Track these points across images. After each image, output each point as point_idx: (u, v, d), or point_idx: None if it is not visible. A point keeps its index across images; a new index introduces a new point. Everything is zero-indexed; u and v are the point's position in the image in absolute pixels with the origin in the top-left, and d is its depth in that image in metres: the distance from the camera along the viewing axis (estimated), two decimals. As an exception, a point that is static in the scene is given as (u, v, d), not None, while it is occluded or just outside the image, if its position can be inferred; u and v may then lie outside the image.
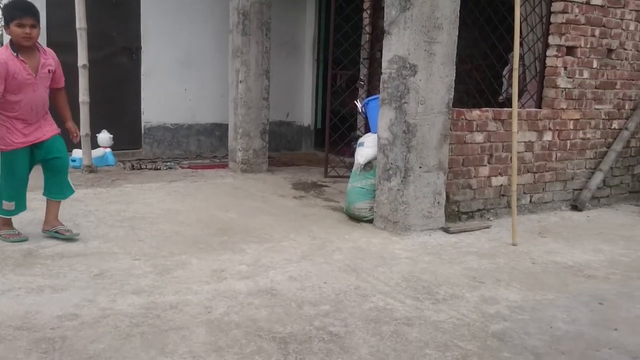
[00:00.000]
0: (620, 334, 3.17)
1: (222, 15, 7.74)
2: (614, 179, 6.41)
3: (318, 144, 9.14)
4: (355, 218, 5.19)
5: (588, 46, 5.87)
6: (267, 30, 7.14)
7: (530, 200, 5.79)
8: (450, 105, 4.91)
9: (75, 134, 4.46)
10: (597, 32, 5.90)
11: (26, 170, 4.24)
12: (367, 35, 7.76)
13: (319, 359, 2.76)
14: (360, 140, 5.28)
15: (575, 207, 6.07)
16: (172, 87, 7.99)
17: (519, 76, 5.67)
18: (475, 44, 6.50)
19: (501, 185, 5.51)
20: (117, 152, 7.58)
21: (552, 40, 5.71)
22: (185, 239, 4.52)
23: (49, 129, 4.23)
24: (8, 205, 4.23)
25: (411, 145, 4.71)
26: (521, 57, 5.96)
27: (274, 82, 7.66)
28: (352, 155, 7.72)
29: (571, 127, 5.94)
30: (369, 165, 5.12)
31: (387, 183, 4.87)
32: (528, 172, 5.71)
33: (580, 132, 6.02)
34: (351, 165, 7.12)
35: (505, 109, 5.47)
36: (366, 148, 5.12)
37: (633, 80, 6.32)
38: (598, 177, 6.15)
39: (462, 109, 5.17)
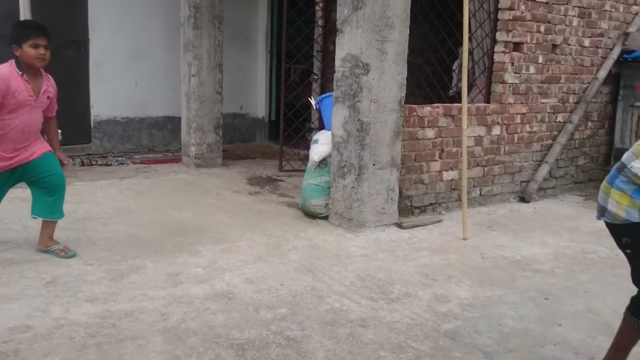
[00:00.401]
0: (564, 329, 3.33)
1: (173, 6, 7.60)
2: (559, 171, 6.64)
3: (272, 135, 9.12)
4: (311, 215, 5.23)
5: (534, 42, 6.03)
6: (219, 24, 7.06)
7: (480, 193, 5.95)
8: (403, 102, 4.98)
9: (65, 163, 4.25)
10: (542, 28, 6.07)
11: (2, 193, 4.03)
12: (320, 29, 7.76)
13: (276, 366, 2.81)
14: (315, 137, 5.31)
15: (522, 199, 6.27)
16: (122, 79, 7.81)
17: (468, 71, 5.79)
18: (425, 38, 6.59)
19: (452, 179, 5.64)
20: (65, 148, 7.33)
21: (499, 36, 5.85)
22: (139, 241, 4.48)
23: (39, 147, 4.02)
24: None
25: (365, 143, 4.77)
26: (470, 53, 6.09)
27: (227, 74, 7.58)
28: (307, 147, 7.78)
29: (518, 121, 6.11)
30: (323, 162, 5.17)
31: (341, 180, 4.92)
32: (478, 166, 5.86)
33: (527, 125, 6.21)
34: (305, 157, 7.16)
35: (456, 104, 5.59)
36: (320, 145, 5.15)
37: (577, 74, 6.54)
38: (544, 169, 6.36)
39: (413, 106, 5.26)
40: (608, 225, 2.42)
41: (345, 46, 4.77)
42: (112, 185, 6.14)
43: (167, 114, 8.25)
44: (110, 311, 3.28)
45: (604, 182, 2.45)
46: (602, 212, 2.41)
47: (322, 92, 7.64)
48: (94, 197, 5.64)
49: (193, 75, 7.00)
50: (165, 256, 4.17)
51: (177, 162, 7.47)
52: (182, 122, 7.39)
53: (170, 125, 8.30)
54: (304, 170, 6.72)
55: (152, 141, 8.22)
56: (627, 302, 2.65)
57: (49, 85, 3.98)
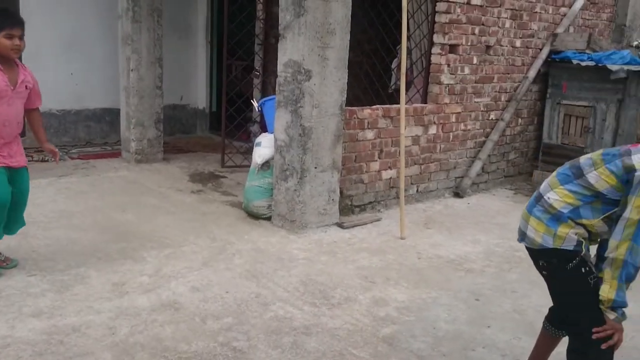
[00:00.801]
0: (492, 330, 3.59)
1: (110, -4, 7.43)
2: (491, 166, 6.97)
3: (213, 127, 9.11)
4: (254, 215, 5.33)
5: (469, 44, 6.27)
6: (158, 17, 6.97)
7: (417, 190, 6.20)
8: (343, 106, 5.12)
9: (56, 156, 4.17)
10: (476, 31, 6.31)
11: (8, 192, 3.83)
12: (261, 24, 7.76)
13: (224, 379, 2.93)
14: (257, 140, 5.38)
15: (457, 194, 6.56)
16: (56, 70, 7.60)
17: (407, 70, 5.97)
18: (365, 35, 6.73)
19: (391, 178, 5.85)
20: (-1, 142, 7.16)
21: (436, 38, 6.05)
22: (82, 247, 4.47)
23: (21, 158, 3.94)
24: None
25: (307, 147, 4.89)
26: (409, 53, 6.27)
27: (166, 65, 7.49)
28: (248, 139, 7.84)
29: (454, 120, 6.37)
30: (266, 164, 5.26)
31: (284, 183, 5.04)
32: (415, 164, 6.09)
33: (462, 124, 6.47)
34: (247, 151, 7.24)
35: (394, 106, 5.77)
36: (263, 148, 5.24)
37: (508, 74, 6.85)
38: (477, 165, 6.67)
39: (354, 108, 5.40)
40: (527, 248, 2.64)
41: (288, 52, 4.84)
42: (50, 185, 6.03)
43: (105, 106, 8.10)
44: (57, 326, 3.30)
45: (524, 209, 2.66)
46: (522, 236, 2.63)
47: (264, 87, 7.70)
48: (32, 198, 5.44)
49: (132, 70, 6.90)
50: (109, 264, 4.19)
51: (117, 157, 7.38)
52: (121, 117, 7.29)
53: (108, 118, 8.16)
54: (246, 166, 6.82)
55: (89, 134, 8.07)
56: (549, 301, 2.88)
57: (26, 74, 3.86)
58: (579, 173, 2.46)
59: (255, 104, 5.73)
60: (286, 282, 4.08)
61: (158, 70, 7.10)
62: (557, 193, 2.48)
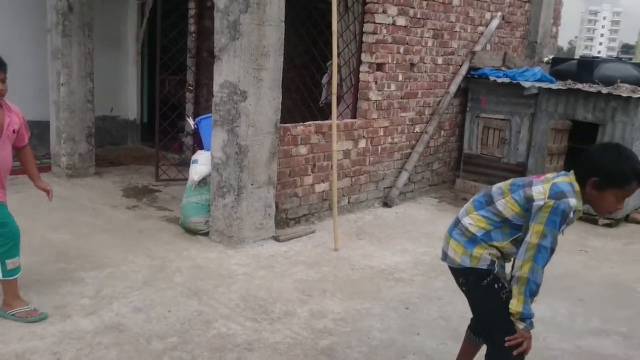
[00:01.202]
0: (421, 338, 3.89)
1: (40, 11, 7.28)
2: (417, 176, 7.36)
3: (145, 138, 9.08)
4: (192, 231, 5.44)
5: (395, 62, 6.62)
6: (89, 31, 6.93)
7: (349, 202, 6.48)
8: (278, 125, 5.32)
9: (50, 193, 4.05)
10: (402, 50, 6.66)
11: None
12: (193, 40, 7.84)
13: (173, 398, 3.07)
14: (194, 157, 5.49)
15: (386, 204, 6.90)
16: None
17: (337, 86, 6.24)
18: (297, 52, 6.95)
19: (324, 191, 6.10)
20: None
21: (364, 58, 6.36)
22: (18, 270, 4.44)
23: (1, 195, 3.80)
24: (13, 262, 3.76)
25: (244, 165, 5.06)
26: (338, 69, 6.54)
27: (96, 77, 7.43)
28: (181, 151, 7.90)
29: (382, 134, 6.70)
30: (203, 181, 5.38)
31: (221, 200, 5.18)
32: (347, 177, 6.37)
33: (389, 137, 6.81)
34: (180, 164, 7.32)
35: (326, 122, 6.02)
36: (200, 166, 5.36)
37: (431, 89, 7.25)
38: (404, 176, 7.03)
39: (288, 126, 5.62)
40: (449, 267, 2.93)
41: (224, 73, 4.99)
42: (-22, 203, 5.89)
43: (34, 119, 7.89)
44: (1, 354, 3.33)
45: (446, 232, 2.95)
46: (445, 256, 2.92)
47: (197, 101, 7.78)
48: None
49: (62, 84, 6.83)
50: (48, 286, 4.21)
51: (47, 171, 7.25)
52: (51, 131, 7.18)
53: (37, 130, 7.94)
54: (180, 180, 6.91)
55: (16, 147, 7.86)
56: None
57: (12, 116, 3.72)
58: (490, 201, 2.77)
59: (191, 122, 5.83)
60: (227, 299, 4.23)
61: (89, 84, 7.05)
62: (472, 218, 2.79)
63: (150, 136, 8.87)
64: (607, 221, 6.69)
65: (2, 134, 3.63)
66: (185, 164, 7.60)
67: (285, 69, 5.35)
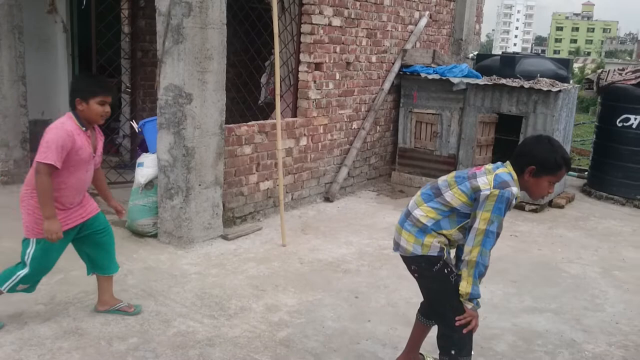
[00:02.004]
0: (372, 324, 4.12)
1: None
2: (355, 170, 7.62)
3: (79, 141, 8.90)
4: (139, 234, 5.46)
5: (331, 61, 6.83)
6: (19, 34, 6.76)
7: (292, 198, 6.66)
8: (223, 125, 5.43)
9: (122, 212, 4.05)
10: (338, 49, 6.89)
11: (58, 258, 3.78)
12: (127, 40, 7.77)
13: (141, 396, 3.16)
14: (139, 160, 5.51)
15: (327, 199, 7.12)
16: None
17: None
18: (237, 55, 7.05)
19: (268, 188, 6.25)
20: None
21: (302, 57, 6.54)
22: (-36, 280, 4.36)
23: (92, 206, 3.84)
24: (22, 287, 3.74)
25: (190, 166, 5.14)
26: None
27: (27, 80, 7.26)
28: (117, 153, 7.83)
29: (321, 131, 6.91)
30: (150, 184, 5.42)
31: (169, 202, 5.24)
32: (289, 174, 6.54)
33: (329, 134, 7.04)
34: (119, 166, 7.27)
35: (269, 121, 6.17)
36: (146, 168, 5.39)
37: (367, 87, 7.52)
38: (344, 171, 7.28)
39: (232, 126, 5.73)
40: (401, 256, 3.17)
41: (168, 76, 5.05)
42: None
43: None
44: (-41, 366, 3.31)
45: (397, 223, 3.18)
46: (397, 246, 3.15)
47: (133, 103, 7.73)
48: None
49: (-7, 89, 6.64)
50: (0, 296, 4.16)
51: (-21, 178, 7.03)
52: (-18, 137, 6.96)
53: (-36, 137, 7.70)
54: (121, 182, 6.87)
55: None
56: (417, 293, 3.42)
57: (100, 139, 3.75)
58: (438, 193, 3.03)
59: (135, 125, 5.83)
60: (182, 298, 4.33)
61: (22, 88, 6.88)
62: (422, 210, 3.04)
63: (85, 139, 8.71)
64: (532, 207, 7.18)
65: (95, 155, 3.66)
66: (124, 166, 7.56)
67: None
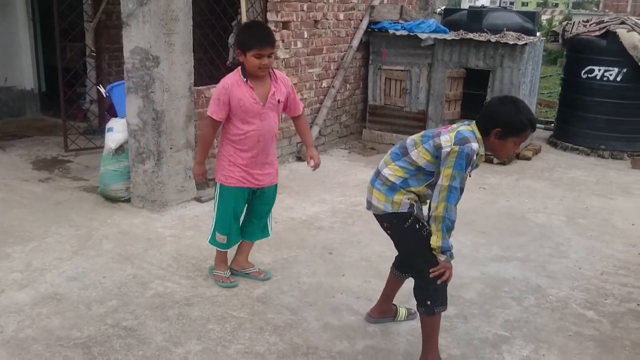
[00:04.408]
0: (346, 278, 4.24)
1: None
2: (327, 129, 7.67)
3: (45, 107, 8.75)
4: (112, 199, 5.46)
5: (299, 20, 6.79)
6: (-24, -2, 6.56)
7: (264, 158, 6.68)
8: (192, 88, 5.40)
9: (315, 162, 3.99)
10: (305, 7, 6.84)
11: (242, 208, 4.00)
12: (90, 2, 7.57)
13: (122, 356, 3.24)
14: (109, 125, 5.46)
15: (299, 158, 7.17)
16: None
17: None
18: (202, 15, 6.94)
19: (240, 150, 6.25)
20: None
21: (270, 16, 6.48)
22: (-63, 251, 4.36)
23: (271, 178, 3.98)
24: (220, 238, 3.98)
25: (161, 130, 5.12)
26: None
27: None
28: (86, 118, 7.74)
29: (291, 90, 6.89)
30: (120, 149, 5.39)
31: (141, 166, 5.24)
32: (260, 134, 6.54)
33: (299, 94, 7.01)
34: (88, 132, 7.21)
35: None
36: (116, 133, 5.35)
37: (335, 44, 7.50)
38: (315, 130, 7.31)
39: (201, 88, 5.70)
40: (374, 214, 3.25)
41: (134, 39, 4.98)
42: None
43: None
44: (-62, 334, 3.34)
45: (368, 182, 3.26)
46: (369, 205, 3.23)
47: (99, 67, 7.59)
48: None
49: (-48, 56, 6.46)
50: (-27, 265, 4.17)
51: (-57, 148, 6.91)
52: (-56, 106, 6.81)
53: None
54: (91, 148, 6.82)
55: None
56: (389, 247, 3.54)
57: (277, 86, 3.77)
58: (405, 152, 3.10)
59: (102, 89, 5.75)
60: (159, 260, 4.38)
61: (-18, 54, 6.71)
62: (390, 169, 3.11)
63: (51, 105, 8.57)
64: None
65: (265, 103, 3.71)
66: (93, 132, 7.47)
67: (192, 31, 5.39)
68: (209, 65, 7.04)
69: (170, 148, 5.25)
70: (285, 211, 5.49)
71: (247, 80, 3.67)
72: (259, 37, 3.61)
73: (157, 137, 5.12)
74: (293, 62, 6.82)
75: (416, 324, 3.43)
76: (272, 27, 6.46)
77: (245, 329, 3.55)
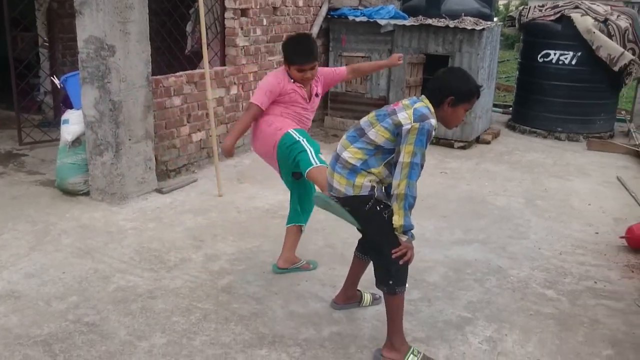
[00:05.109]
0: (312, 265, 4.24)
1: None
2: (288, 117, 7.61)
3: (-6, 99, 8.48)
4: (70, 192, 5.33)
5: (258, 7, 6.72)
6: None
7: (226, 148, 6.62)
8: (150, 77, 5.29)
9: (399, 58, 4.45)
10: (264, -6, 6.77)
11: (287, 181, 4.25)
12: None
13: (85, 352, 3.17)
14: (64, 117, 5.32)
15: (262, 147, 7.11)
16: None
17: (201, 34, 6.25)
18: (159, 3, 6.80)
19: (201, 139, 6.20)
20: None
21: (227, 3, 6.39)
22: None
23: None
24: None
25: (119, 120, 5.02)
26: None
27: None
28: (40, 110, 7.54)
29: (251, 79, 6.84)
30: (77, 141, 5.26)
31: (99, 158, 5.12)
32: (222, 124, 6.49)
33: (258, 82, 6.96)
34: (42, 124, 7.02)
35: (197, 71, 6.06)
36: (72, 125, 5.22)
37: (295, 31, 7.43)
38: (277, 119, 7.26)
39: (159, 77, 5.60)
40: (336, 198, 3.25)
41: (87, 28, 4.85)
42: None
43: None
44: None
45: (328, 167, 3.25)
46: (331, 189, 3.23)
47: (52, 56, 7.39)
48: None
49: None
50: None
51: None
52: None
53: None
54: (47, 141, 6.65)
55: None
56: (352, 234, 3.56)
57: (317, 84, 4.05)
58: (362, 133, 3.11)
59: (56, 80, 5.59)
60: (120, 254, 4.31)
61: None
62: (349, 152, 3.12)
63: (3, 97, 8.29)
64: (461, 144, 7.43)
65: (310, 101, 4.02)
66: (48, 124, 7.27)
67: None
68: (167, 54, 6.92)
69: (129, 139, 5.15)
70: (249, 201, 5.45)
71: (294, 81, 3.91)
72: (300, 53, 3.83)
73: (115, 129, 5.01)
74: (253, 50, 6.76)
75: (381, 308, 3.46)
76: (230, 14, 6.40)
77: (211, 320, 3.52)
